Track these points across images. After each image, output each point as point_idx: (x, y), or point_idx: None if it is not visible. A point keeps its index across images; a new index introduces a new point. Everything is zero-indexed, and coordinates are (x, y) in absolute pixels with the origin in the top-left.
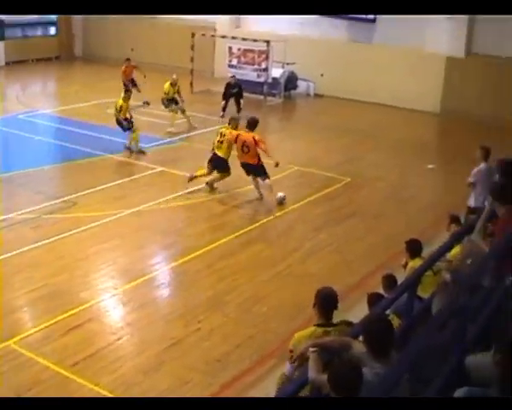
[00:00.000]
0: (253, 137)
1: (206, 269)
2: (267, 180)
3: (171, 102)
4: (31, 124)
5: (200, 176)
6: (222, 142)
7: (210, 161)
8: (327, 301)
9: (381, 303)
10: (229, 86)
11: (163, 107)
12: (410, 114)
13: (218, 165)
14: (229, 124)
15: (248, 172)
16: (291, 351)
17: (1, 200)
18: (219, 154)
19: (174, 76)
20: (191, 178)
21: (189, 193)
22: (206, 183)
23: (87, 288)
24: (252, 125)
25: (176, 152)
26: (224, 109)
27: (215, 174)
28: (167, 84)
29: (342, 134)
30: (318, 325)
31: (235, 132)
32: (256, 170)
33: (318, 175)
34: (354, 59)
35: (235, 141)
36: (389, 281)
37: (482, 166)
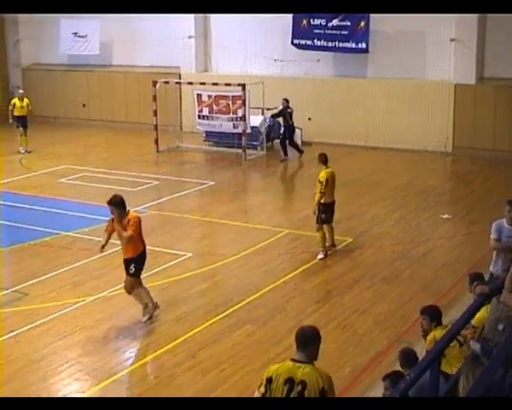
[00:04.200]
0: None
1: (187, 361)
2: None
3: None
4: None
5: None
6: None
7: None
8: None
9: (400, 385)
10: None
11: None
12: (415, 156)
13: None
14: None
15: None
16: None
17: None
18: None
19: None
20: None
21: (161, 270)
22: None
23: (45, 395)
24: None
25: (142, 223)
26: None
27: None
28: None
29: (337, 187)
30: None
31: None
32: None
33: (314, 238)
34: (346, 97)
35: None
36: (407, 357)
37: None
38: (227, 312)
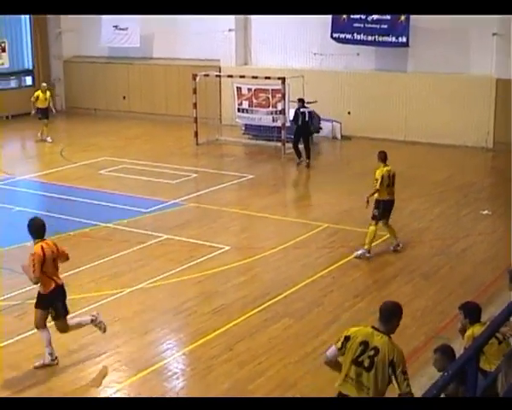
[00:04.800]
0: None
1: (224, 353)
2: None
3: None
4: (8, 193)
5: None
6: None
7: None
8: None
9: (437, 382)
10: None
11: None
12: (455, 151)
13: None
14: None
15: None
16: None
17: None
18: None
19: (43, 84)
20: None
21: (199, 263)
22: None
23: (83, 384)
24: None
25: (181, 215)
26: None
27: None
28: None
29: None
30: None
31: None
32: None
33: (353, 232)
34: (385, 92)
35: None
36: (445, 353)
37: None
38: (264, 305)
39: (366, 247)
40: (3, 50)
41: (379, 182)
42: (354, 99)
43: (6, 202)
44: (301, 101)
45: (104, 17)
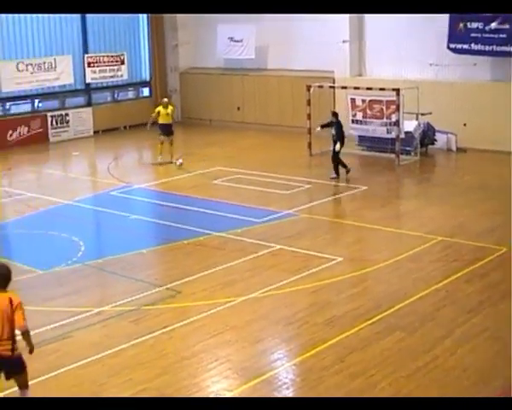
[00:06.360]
0: None
1: (335, 365)
2: None
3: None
4: (125, 201)
5: None
6: None
7: None
8: None
9: None
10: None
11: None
12: None
13: None
14: None
15: None
16: None
17: (93, 291)
18: None
19: (165, 99)
20: None
21: (311, 274)
22: None
23: (195, 391)
24: None
25: (293, 226)
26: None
27: None
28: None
29: (492, 195)
30: None
31: None
32: None
33: (467, 246)
34: (503, 102)
35: None
36: None
37: None
38: (376, 318)
39: None
40: (122, 63)
41: None
42: (470, 110)
43: (123, 210)
44: (333, 114)
45: (220, 29)
